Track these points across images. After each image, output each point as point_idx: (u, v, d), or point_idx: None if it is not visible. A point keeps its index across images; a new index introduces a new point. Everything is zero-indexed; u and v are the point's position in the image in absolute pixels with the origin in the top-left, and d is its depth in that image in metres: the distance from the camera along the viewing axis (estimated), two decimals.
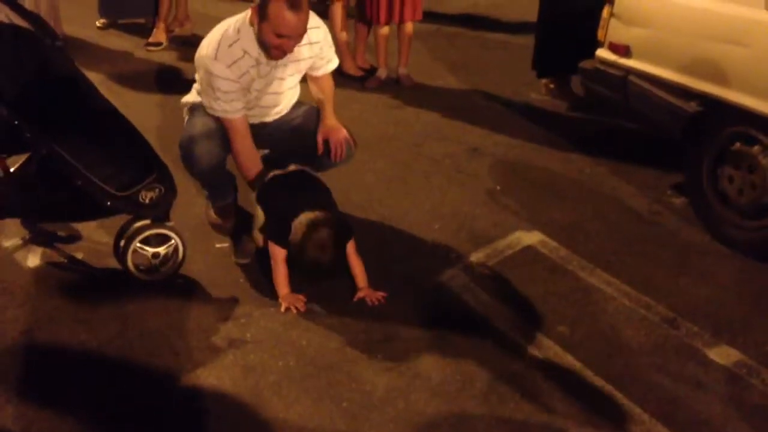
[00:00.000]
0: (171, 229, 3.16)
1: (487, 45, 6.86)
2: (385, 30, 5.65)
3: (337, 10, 5.67)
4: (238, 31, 3.17)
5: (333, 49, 3.52)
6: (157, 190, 3.03)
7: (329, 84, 3.54)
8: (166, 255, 3.16)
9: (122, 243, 3.13)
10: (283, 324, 2.97)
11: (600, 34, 4.03)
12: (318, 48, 3.37)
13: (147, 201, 3.02)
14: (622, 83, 3.90)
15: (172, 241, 3.16)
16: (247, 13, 3.19)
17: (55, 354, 2.80)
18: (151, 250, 3.13)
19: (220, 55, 3.12)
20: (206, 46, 3.19)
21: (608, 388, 2.67)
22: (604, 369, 2.75)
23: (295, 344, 2.87)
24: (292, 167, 3.29)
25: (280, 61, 3.24)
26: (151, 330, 2.93)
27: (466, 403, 2.61)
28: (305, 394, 2.64)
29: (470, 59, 6.10)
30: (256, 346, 2.85)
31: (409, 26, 5.62)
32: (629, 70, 3.86)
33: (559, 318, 3.05)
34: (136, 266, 3.12)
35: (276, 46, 3.08)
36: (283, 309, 3.04)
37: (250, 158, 3.31)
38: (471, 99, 5.54)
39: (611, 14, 3.93)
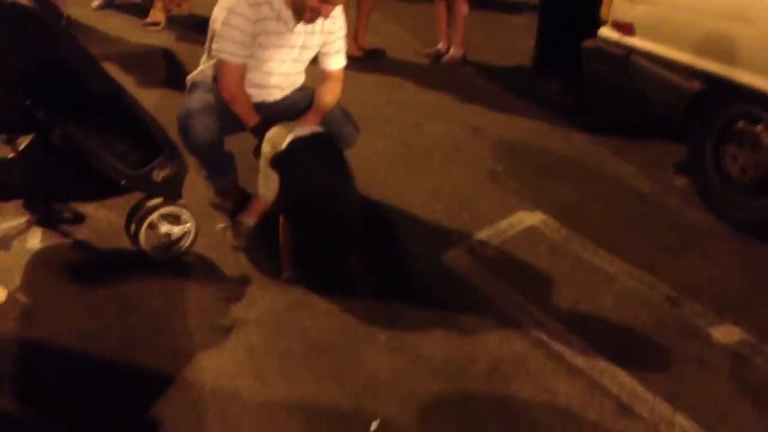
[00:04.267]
0: (184, 206, 3.16)
1: (488, 24, 6.83)
2: (441, 6, 5.69)
3: None
4: None
5: (344, 44, 3.50)
6: (168, 168, 3.02)
7: (333, 96, 3.51)
8: (178, 233, 3.18)
9: (135, 220, 3.12)
10: (285, 305, 2.96)
11: (603, 11, 4.00)
12: (329, 37, 3.42)
13: (160, 179, 3.01)
14: (624, 62, 3.87)
15: (185, 220, 3.17)
16: None
17: (55, 336, 2.78)
18: (164, 228, 3.14)
19: None
20: None
21: (611, 367, 2.67)
22: (607, 348, 2.75)
23: (297, 325, 2.86)
24: (308, 129, 3.17)
25: (296, 28, 3.26)
26: (152, 311, 2.92)
27: (469, 383, 2.60)
28: (308, 374, 2.63)
29: (470, 38, 6.04)
30: (259, 326, 2.84)
31: (461, 5, 5.65)
32: (632, 49, 3.83)
33: (562, 298, 3.04)
34: (148, 244, 3.12)
35: (315, 7, 3.13)
36: (284, 277, 3.06)
37: (245, 107, 3.31)
38: (471, 79, 5.52)
39: None
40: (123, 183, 2.94)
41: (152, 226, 3.12)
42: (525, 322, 2.90)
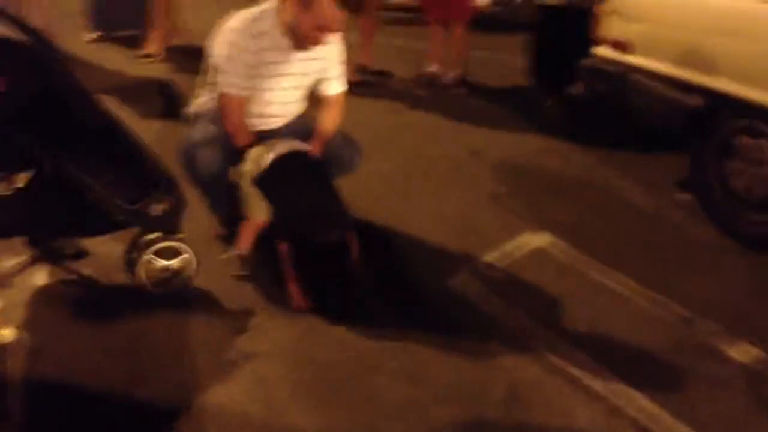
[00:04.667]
0: (182, 241, 3.11)
1: (483, 44, 6.85)
2: (437, 29, 5.70)
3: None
4: (262, 12, 3.24)
5: (343, 69, 3.50)
6: (167, 202, 2.98)
7: (334, 121, 3.50)
8: (177, 267, 3.12)
9: (133, 256, 3.08)
10: (294, 335, 2.92)
11: (599, 30, 4.01)
12: (327, 63, 3.42)
13: (158, 213, 2.97)
14: (622, 79, 3.88)
15: (183, 254, 3.12)
16: (271, 2, 3.25)
17: (64, 373, 2.73)
18: (161, 262, 3.09)
19: (243, 26, 3.21)
20: (228, 23, 3.29)
21: (629, 390, 2.63)
22: (624, 370, 2.71)
23: (307, 355, 2.82)
24: (288, 145, 3.20)
25: (295, 56, 3.26)
26: (160, 345, 2.87)
27: (486, 411, 2.56)
28: (320, 405, 2.58)
29: (469, 59, 6.07)
30: (268, 358, 2.80)
31: (458, 28, 5.64)
32: (630, 67, 3.84)
33: (574, 320, 3.01)
34: (147, 278, 3.07)
35: (311, 36, 3.14)
36: (293, 306, 3.03)
37: (242, 132, 3.30)
38: (468, 100, 5.52)
39: (611, 10, 3.91)
40: (120, 218, 2.90)
41: (151, 261, 3.06)
42: (538, 345, 2.86)
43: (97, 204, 2.83)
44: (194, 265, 3.14)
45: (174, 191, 3.03)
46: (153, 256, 3.06)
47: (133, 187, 2.96)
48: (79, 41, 6.62)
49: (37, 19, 5.61)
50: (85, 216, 2.93)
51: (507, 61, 6.47)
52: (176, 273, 3.12)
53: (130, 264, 3.09)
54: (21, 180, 2.91)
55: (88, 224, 3.02)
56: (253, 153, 3.17)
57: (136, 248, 3.08)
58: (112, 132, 3.03)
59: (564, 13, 4.67)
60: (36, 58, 2.98)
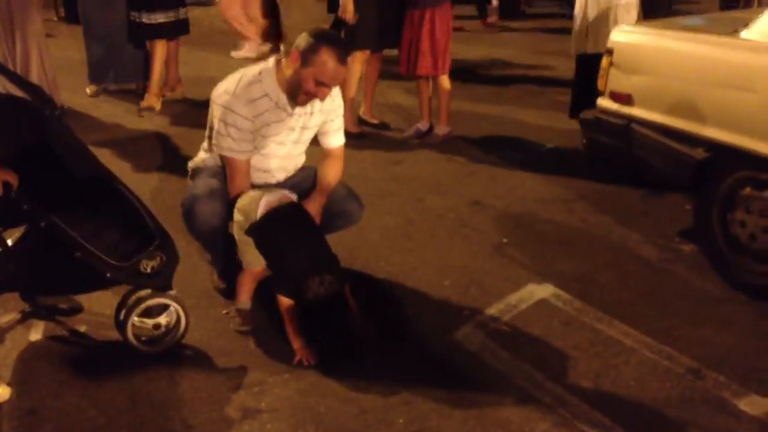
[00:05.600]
0: (173, 298, 3.05)
1: (477, 97, 6.90)
2: (424, 83, 5.70)
3: (357, 66, 5.68)
4: (260, 73, 3.25)
5: (342, 121, 3.52)
6: (158, 258, 2.94)
7: (335, 173, 3.49)
8: (167, 325, 3.06)
9: (122, 314, 3.02)
10: (299, 391, 2.87)
11: (600, 83, 4.04)
12: (327, 116, 3.44)
13: (148, 270, 2.92)
14: (624, 132, 3.89)
15: (174, 311, 3.06)
16: (268, 62, 3.27)
17: None
18: (151, 321, 3.03)
19: (240, 92, 3.20)
20: (225, 83, 3.28)
21: None
22: (634, 425, 2.66)
23: (312, 412, 2.76)
24: (278, 196, 3.19)
25: (295, 111, 3.27)
26: (161, 403, 2.82)
27: None
28: None
29: (461, 112, 6.11)
30: (273, 415, 2.75)
31: (442, 81, 5.64)
32: (632, 119, 3.86)
33: (581, 373, 2.97)
34: (138, 337, 3.02)
35: (311, 92, 3.15)
36: (295, 361, 2.98)
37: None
38: (467, 152, 5.53)
39: (611, 63, 3.95)
40: (109, 275, 2.85)
41: (137, 323, 3.00)
42: (546, 400, 2.81)
43: (84, 261, 2.78)
44: (185, 322, 3.07)
45: (167, 247, 2.99)
46: (139, 318, 3.00)
47: (124, 243, 2.93)
48: (80, 95, 6.64)
49: (37, 72, 5.67)
50: (73, 273, 2.88)
51: (504, 113, 6.51)
52: (167, 331, 3.07)
53: (120, 323, 3.03)
54: (12, 236, 2.88)
55: (76, 281, 2.98)
56: (242, 203, 3.15)
57: (125, 306, 3.03)
58: (106, 188, 3.02)
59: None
60: (31, 113, 2.99)
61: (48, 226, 2.77)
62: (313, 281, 2.91)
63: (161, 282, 3.01)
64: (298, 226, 3.13)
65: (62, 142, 3.08)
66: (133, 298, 3.02)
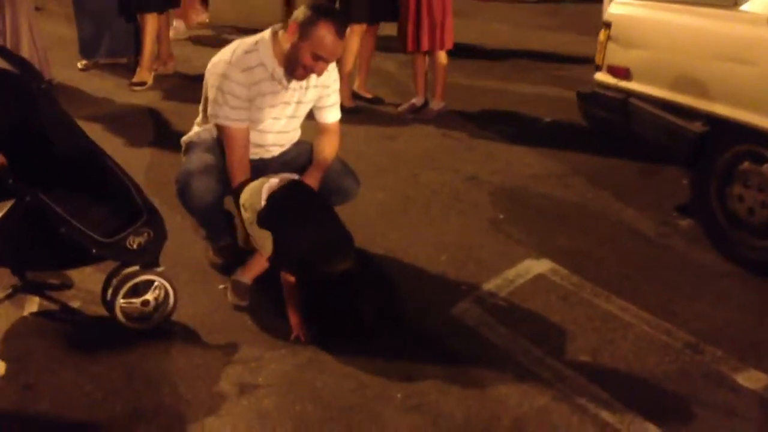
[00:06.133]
0: (160, 274, 3.01)
1: (471, 72, 6.85)
2: (420, 58, 5.65)
3: (354, 40, 5.62)
4: (256, 43, 3.21)
5: (338, 96, 3.48)
6: (145, 234, 2.89)
7: (332, 149, 3.46)
8: (156, 300, 3.02)
9: (109, 293, 2.99)
10: (295, 366, 2.85)
11: (597, 57, 4.00)
12: (323, 91, 3.39)
13: (135, 246, 2.88)
14: (622, 106, 3.86)
15: (162, 288, 3.02)
16: (265, 32, 3.22)
17: (59, 408, 2.65)
18: (138, 299, 2.98)
19: (236, 60, 3.17)
20: (221, 53, 3.26)
21: (639, 420, 2.57)
22: (633, 399, 2.65)
23: (310, 387, 2.75)
24: (284, 178, 3.14)
25: (291, 85, 3.22)
26: (157, 378, 2.80)
27: None
28: None
29: (455, 87, 6.06)
30: (270, 390, 2.73)
31: (440, 56, 5.59)
32: (630, 93, 3.82)
33: (579, 348, 2.96)
34: (127, 315, 2.98)
35: (308, 66, 3.10)
36: (292, 337, 2.96)
37: (241, 169, 3.24)
38: (462, 127, 5.50)
39: (608, 37, 3.91)
40: (94, 251, 2.81)
41: (124, 304, 2.97)
42: (544, 375, 2.80)
43: (69, 237, 2.74)
44: (173, 298, 3.04)
45: (155, 223, 2.95)
46: (128, 300, 2.96)
47: (111, 219, 2.88)
48: (71, 69, 6.56)
49: (28, 47, 5.60)
50: (58, 249, 2.84)
51: (499, 88, 6.47)
52: (156, 307, 3.03)
53: (107, 302, 3.00)
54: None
55: (62, 257, 2.93)
56: (245, 198, 3.10)
57: (112, 283, 2.99)
58: (94, 163, 2.97)
59: None
60: (19, 87, 2.94)
61: (33, 201, 2.72)
62: (326, 259, 2.87)
63: (148, 258, 2.97)
64: (304, 204, 3.07)
65: (50, 116, 3.03)
66: (119, 276, 2.98)
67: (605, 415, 2.59)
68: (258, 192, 3.04)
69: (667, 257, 3.64)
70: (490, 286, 3.40)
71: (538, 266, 3.55)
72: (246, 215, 3.09)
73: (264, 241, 3.03)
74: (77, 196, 2.89)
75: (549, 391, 2.72)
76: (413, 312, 3.21)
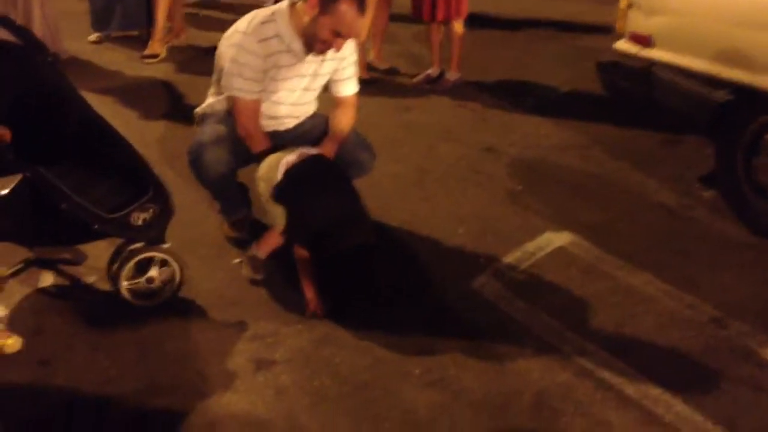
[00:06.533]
0: (166, 251, 2.95)
1: (488, 42, 6.74)
2: (435, 28, 5.56)
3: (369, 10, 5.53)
4: (273, 13, 3.14)
5: (355, 69, 3.40)
6: (151, 210, 2.84)
7: (347, 122, 3.39)
8: (161, 278, 2.96)
9: (114, 268, 2.94)
10: (312, 342, 2.81)
11: (618, 25, 3.90)
12: (340, 63, 3.31)
13: (139, 223, 2.82)
14: (645, 75, 3.76)
15: (168, 264, 2.96)
16: (282, 3, 3.15)
17: (74, 383, 2.63)
18: (143, 277, 2.93)
19: (252, 30, 3.11)
20: (237, 24, 3.21)
21: (664, 395, 2.52)
22: (656, 375, 2.60)
23: (327, 362, 2.71)
24: (297, 153, 3.06)
25: (307, 57, 3.16)
26: (172, 354, 2.77)
27: (515, 418, 2.45)
28: (344, 415, 2.48)
29: (472, 57, 5.95)
30: (287, 366, 2.70)
31: (456, 26, 5.50)
32: (653, 62, 3.73)
33: (602, 322, 2.90)
34: (132, 292, 2.94)
35: (327, 41, 3.03)
36: (307, 314, 2.93)
37: (258, 139, 3.20)
38: (479, 98, 5.41)
39: (630, 4, 3.80)
40: (96, 227, 2.75)
41: (133, 273, 2.92)
42: (566, 349, 2.75)
43: (71, 213, 2.69)
44: (180, 275, 2.99)
45: (161, 198, 2.89)
46: (132, 281, 2.92)
47: (115, 195, 2.83)
48: (82, 42, 6.50)
49: (39, 19, 5.54)
50: (62, 225, 2.78)
51: (515, 58, 6.37)
52: (162, 285, 2.98)
53: (112, 278, 2.96)
54: (6, 185, 2.77)
55: (66, 233, 2.87)
56: (262, 171, 3.04)
57: (117, 260, 2.94)
58: (99, 137, 2.91)
59: None
60: (23, 60, 2.88)
61: (33, 177, 2.67)
62: (342, 234, 2.81)
63: (153, 235, 2.92)
64: (321, 178, 3.01)
65: (54, 89, 2.97)
66: (124, 253, 2.93)
67: (629, 390, 2.55)
68: (275, 166, 2.99)
69: (690, 229, 3.57)
70: (509, 259, 3.34)
71: (559, 239, 3.49)
72: (262, 188, 3.04)
73: (278, 216, 2.98)
74: (81, 170, 2.83)
75: (571, 366, 2.67)
76: (431, 286, 3.16)
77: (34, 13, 5.62)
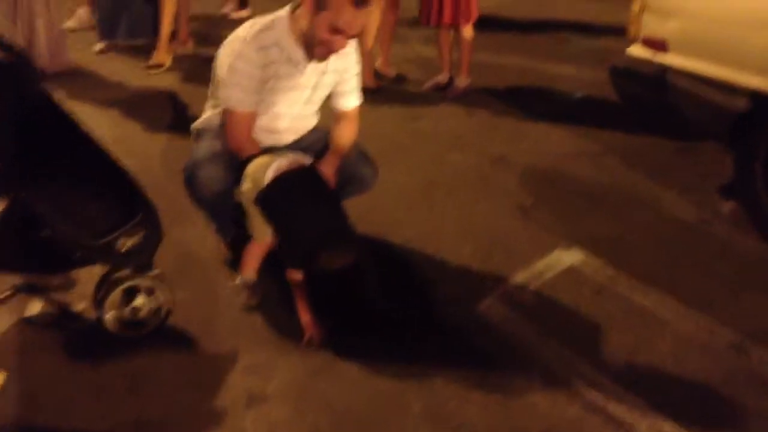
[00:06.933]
0: (152, 279, 2.83)
1: (498, 47, 6.58)
2: (444, 33, 5.42)
3: (375, 15, 5.40)
4: (273, 21, 3.01)
5: (358, 81, 3.26)
6: (139, 234, 2.72)
7: (349, 136, 3.25)
8: (147, 307, 2.83)
9: (99, 297, 2.80)
10: (308, 373, 2.68)
11: (632, 29, 3.74)
12: (341, 75, 3.17)
13: (127, 248, 2.68)
14: (659, 81, 3.59)
15: (156, 293, 2.83)
16: (282, 10, 3.02)
17: (60, 420, 2.51)
18: (126, 310, 2.80)
19: (251, 37, 2.97)
20: (236, 32, 3.09)
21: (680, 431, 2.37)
22: (672, 408, 2.44)
23: (323, 396, 2.58)
24: (289, 159, 2.90)
25: (308, 69, 3.03)
26: (163, 388, 2.64)
27: None
28: None
29: (482, 63, 5.80)
30: (281, 400, 2.56)
31: (465, 31, 5.36)
32: (667, 68, 3.56)
33: (614, 349, 2.75)
34: (118, 322, 2.80)
35: (326, 41, 2.87)
36: (305, 339, 2.81)
37: (247, 147, 3.03)
38: (489, 105, 5.26)
39: (643, 7, 3.64)
40: (78, 254, 2.63)
41: (118, 303, 2.79)
42: (576, 381, 2.60)
43: (54, 239, 2.56)
44: (168, 304, 2.86)
45: (150, 222, 2.76)
46: (117, 310, 2.79)
47: (103, 218, 2.69)
48: (87, 52, 6.42)
49: (43, 28, 5.47)
50: (41, 252, 2.66)
51: (526, 63, 6.21)
52: (149, 314, 2.85)
53: (98, 307, 2.82)
54: None
55: (47, 260, 2.75)
56: (251, 169, 2.91)
57: (102, 289, 2.81)
58: (87, 157, 2.78)
59: None
60: (9, 77, 2.76)
61: (16, 200, 2.55)
62: (323, 253, 2.68)
63: (141, 260, 2.79)
64: (309, 191, 2.86)
65: (40, 108, 2.86)
66: (112, 278, 2.79)
67: (642, 427, 2.39)
68: (265, 167, 2.84)
69: (709, 244, 3.40)
70: (517, 279, 3.19)
71: (570, 257, 3.33)
72: (246, 185, 2.90)
73: (254, 220, 2.86)
74: (66, 193, 2.70)
75: (581, 399, 2.52)
76: (434, 308, 3.03)
77: (37, 24, 5.55)
